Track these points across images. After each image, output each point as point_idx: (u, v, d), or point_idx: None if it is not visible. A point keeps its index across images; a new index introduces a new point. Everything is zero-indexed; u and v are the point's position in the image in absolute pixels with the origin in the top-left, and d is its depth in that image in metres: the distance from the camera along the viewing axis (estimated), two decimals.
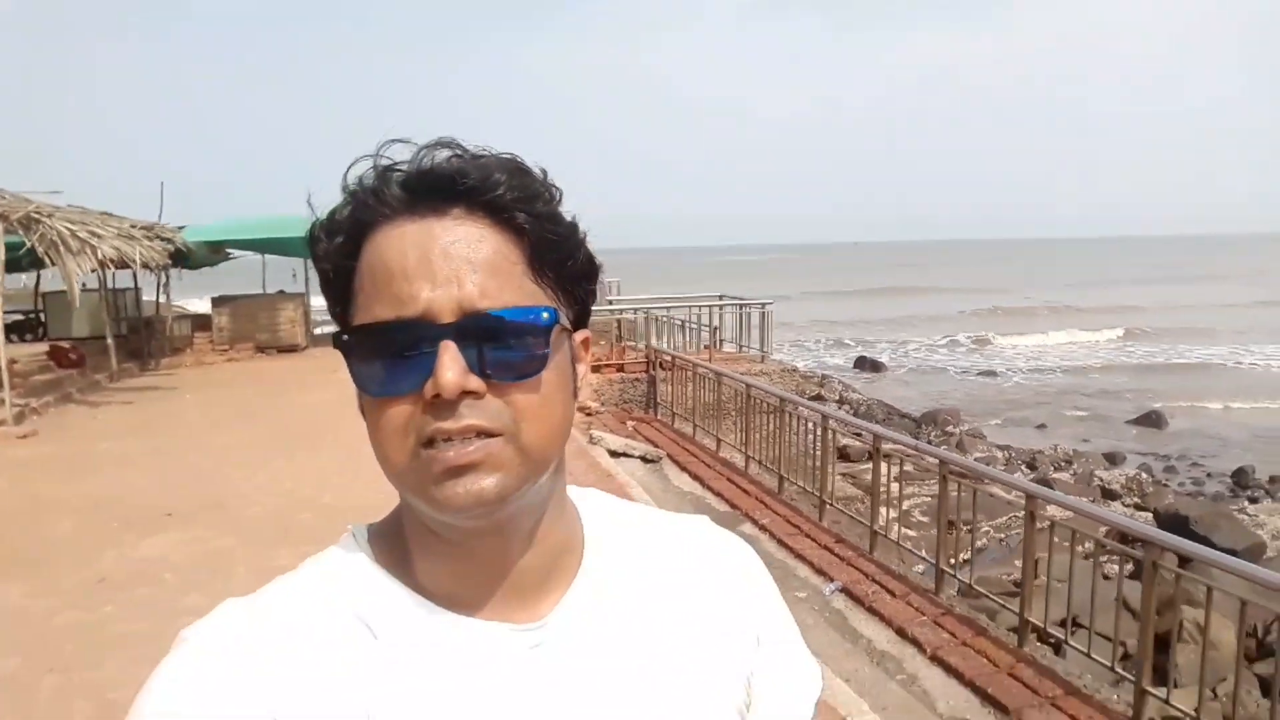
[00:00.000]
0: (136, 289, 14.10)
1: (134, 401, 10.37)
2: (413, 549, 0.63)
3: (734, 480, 8.07)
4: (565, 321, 0.62)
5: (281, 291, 16.10)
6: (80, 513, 5.77)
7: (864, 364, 30.33)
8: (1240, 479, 15.81)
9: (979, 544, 5.44)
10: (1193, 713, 3.79)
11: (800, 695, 0.72)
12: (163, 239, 11.58)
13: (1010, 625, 5.21)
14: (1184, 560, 4.34)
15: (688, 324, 13.44)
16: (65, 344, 11.82)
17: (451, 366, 0.54)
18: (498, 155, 0.60)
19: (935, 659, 4.68)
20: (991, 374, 29.79)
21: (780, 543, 6.47)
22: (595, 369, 11.87)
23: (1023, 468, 15.44)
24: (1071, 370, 30.22)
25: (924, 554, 6.18)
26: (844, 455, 11.44)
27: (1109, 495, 12.98)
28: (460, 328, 0.55)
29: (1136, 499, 12.84)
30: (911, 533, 7.04)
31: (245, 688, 0.55)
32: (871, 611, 5.27)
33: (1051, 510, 5.86)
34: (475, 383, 0.55)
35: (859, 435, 7.04)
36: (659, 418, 11.01)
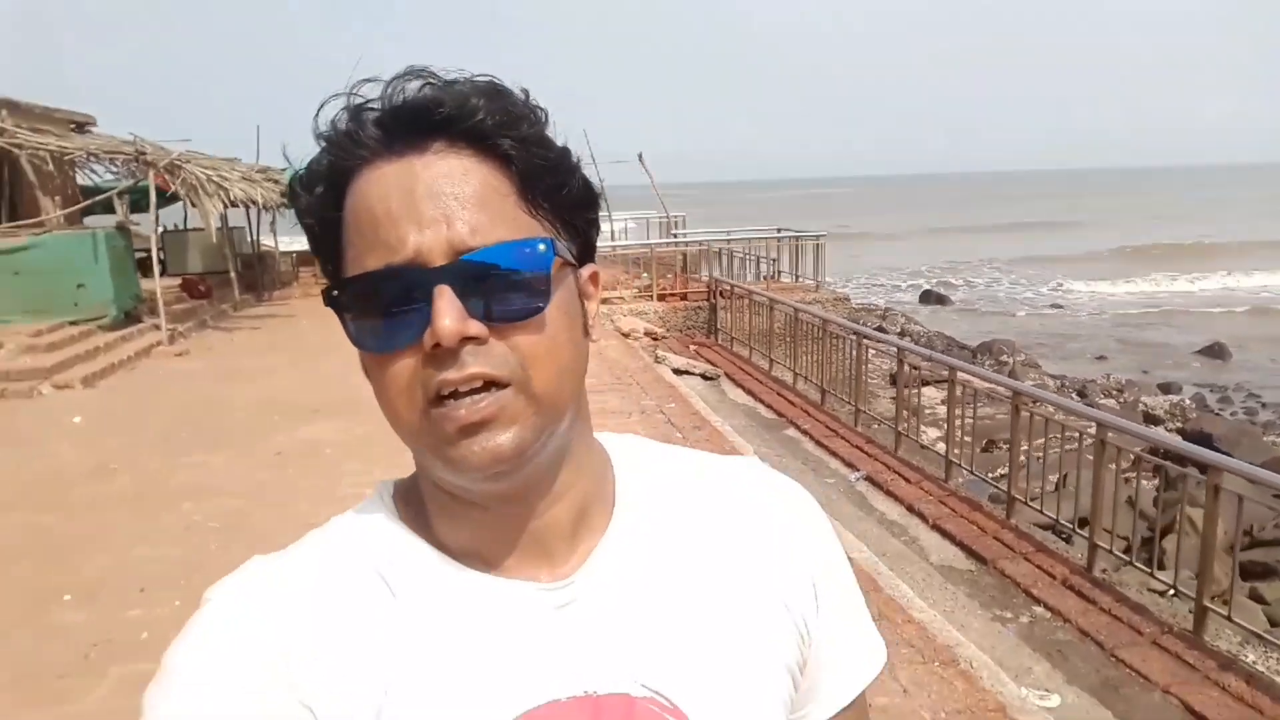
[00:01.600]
0: (252, 227, 15.63)
1: (260, 327, 11.89)
2: (431, 508, 0.61)
3: (782, 394, 9.14)
4: (567, 254, 0.58)
5: None
6: (246, 409, 7.18)
7: (929, 298, 30.74)
8: None
9: (1020, 460, 6.24)
10: (1170, 583, 4.72)
11: (862, 662, 0.68)
12: (273, 182, 12.94)
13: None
14: (1198, 469, 5.06)
15: (748, 256, 14.38)
16: (194, 277, 13.37)
17: (448, 312, 0.51)
18: (473, 80, 0.56)
19: (935, 526, 5.74)
20: (1058, 307, 29.92)
21: (818, 443, 7.56)
22: (661, 298, 12.98)
23: (1073, 395, 16.08)
24: (1143, 303, 30.13)
25: (924, 440, 7.15)
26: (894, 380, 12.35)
27: (1151, 420, 13.57)
28: (453, 270, 0.52)
29: (1180, 423, 13.43)
30: (934, 431, 7.97)
31: (268, 653, 0.55)
32: (888, 493, 6.34)
33: (1081, 424, 6.71)
34: (475, 327, 0.52)
35: (891, 352, 7.95)
36: (719, 342, 12.08)
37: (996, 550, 5.29)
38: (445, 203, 0.53)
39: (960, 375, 6.96)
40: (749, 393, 9.41)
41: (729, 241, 14.42)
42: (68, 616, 3.68)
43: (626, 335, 10.98)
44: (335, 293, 0.55)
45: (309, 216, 0.57)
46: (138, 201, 13.13)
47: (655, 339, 11.24)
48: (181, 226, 16.19)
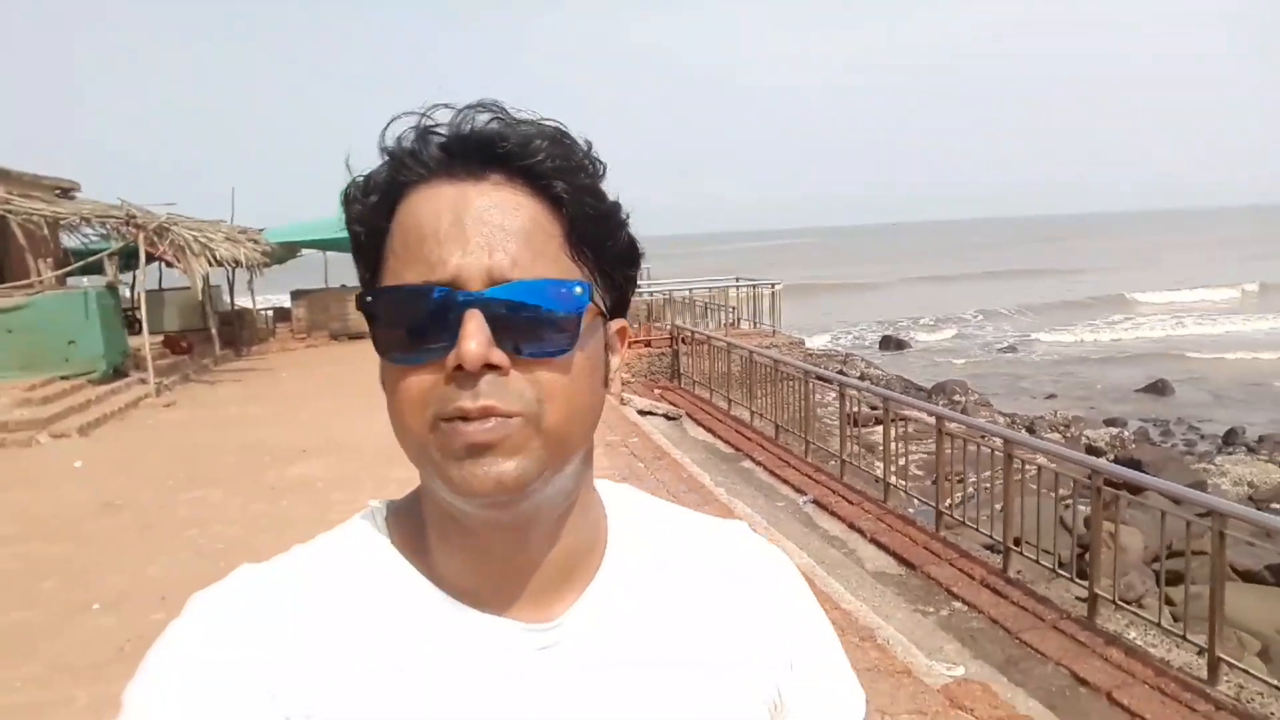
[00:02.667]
0: (231, 286, 16.15)
1: (241, 379, 12.37)
2: (430, 535, 0.61)
3: (739, 430, 9.77)
4: (600, 304, 0.59)
5: (343, 286, 18.08)
6: (236, 452, 7.67)
7: (889, 343, 31.75)
8: (1229, 438, 17.06)
9: (969, 492, 6.87)
10: (1090, 589, 5.32)
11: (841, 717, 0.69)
12: (253, 241, 13.52)
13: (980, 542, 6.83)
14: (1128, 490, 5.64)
15: (710, 305, 15.13)
16: (176, 335, 13.84)
17: (476, 337, 0.52)
18: (540, 122, 0.58)
19: (872, 540, 6.35)
20: (1012, 349, 31.03)
21: (771, 472, 8.17)
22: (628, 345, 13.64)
23: (1021, 430, 16.89)
24: (1092, 348, 31.32)
25: (877, 473, 7.79)
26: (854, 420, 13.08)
27: (1093, 451, 14.38)
28: (488, 297, 0.53)
29: (1118, 452, 14.24)
30: (873, 459, 8.62)
31: (247, 656, 0.55)
32: (831, 513, 6.95)
33: (992, 442, 7.41)
34: (499, 356, 0.53)
35: (831, 385, 8.64)
36: (681, 386, 12.73)
37: (924, 557, 5.91)
38: (492, 231, 0.54)
39: (892, 406, 7.65)
40: (708, 430, 10.04)
41: (690, 291, 15.17)
42: (99, 621, 4.17)
43: None
44: (370, 299, 0.56)
45: (358, 223, 0.59)
46: (125, 262, 13.68)
47: (622, 383, 11.85)
48: (158, 286, 16.69)
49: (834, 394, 8.11)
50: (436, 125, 0.58)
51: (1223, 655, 4.22)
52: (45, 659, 3.81)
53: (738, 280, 15.53)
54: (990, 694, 3.71)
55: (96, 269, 12.17)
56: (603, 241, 0.59)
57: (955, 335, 35.52)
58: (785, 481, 7.88)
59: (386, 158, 0.58)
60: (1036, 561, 5.68)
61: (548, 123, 0.58)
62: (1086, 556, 6.14)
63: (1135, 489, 6.10)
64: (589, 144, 0.59)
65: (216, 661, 0.54)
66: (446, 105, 0.59)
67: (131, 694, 0.55)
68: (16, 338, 9.96)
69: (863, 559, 6.05)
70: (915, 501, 7.30)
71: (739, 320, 14.80)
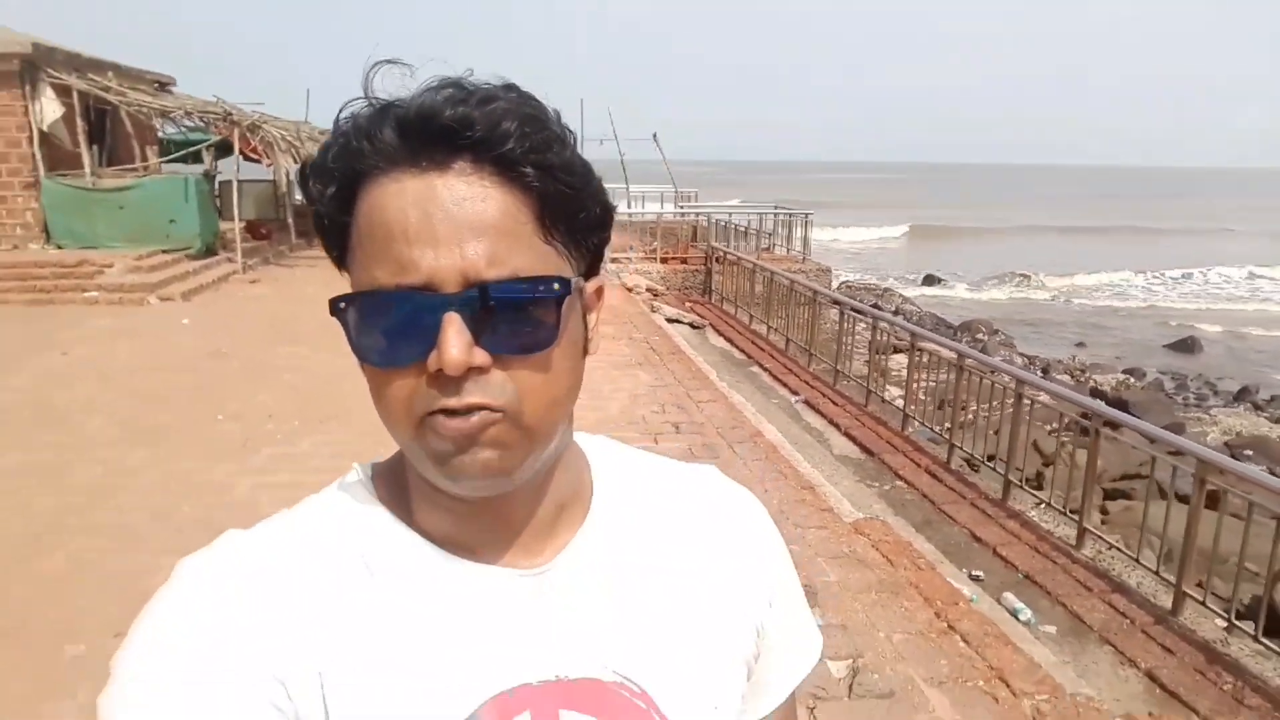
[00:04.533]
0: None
1: (315, 266, 13.69)
2: (414, 495, 0.63)
3: (755, 342, 10.87)
4: (577, 279, 0.59)
5: None
6: (315, 321, 8.94)
7: (931, 280, 32.27)
8: (1240, 395, 17.68)
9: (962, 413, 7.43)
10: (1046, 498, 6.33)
11: (805, 656, 0.75)
12: None
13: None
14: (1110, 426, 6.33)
15: (749, 229, 16.05)
16: (257, 222, 15.22)
17: (456, 342, 0.52)
18: (506, 97, 0.55)
19: (845, 433, 7.47)
20: (1057, 297, 31.36)
21: (774, 376, 9.29)
22: (664, 260, 14.71)
23: (1037, 371, 17.68)
24: (1137, 300, 31.44)
25: (867, 384, 8.85)
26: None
27: (1097, 394, 15.21)
28: (465, 298, 0.52)
29: (1112, 394, 15.05)
30: (885, 382, 9.66)
31: (238, 621, 0.55)
32: (817, 411, 8.07)
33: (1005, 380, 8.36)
34: (481, 358, 0.53)
35: (839, 304, 9.60)
36: (711, 302, 13.80)
37: (884, 448, 7.03)
38: (463, 227, 0.53)
39: (918, 342, 8.43)
40: (728, 340, 11.16)
41: (730, 215, 16.09)
42: (224, 427, 5.51)
43: (630, 290, 12.73)
44: (343, 305, 0.55)
45: (319, 206, 0.56)
46: (215, 153, 15.02)
47: (655, 294, 12.97)
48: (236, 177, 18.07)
49: (866, 325, 8.82)
50: (397, 101, 0.54)
51: (1087, 526, 5.32)
52: (189, 448, 5.16)
53: (775, 208, 16.38)
54: (886, 527, 4.87)
55: (193, 157, 13.51)
56: (576, 215, 0.57)
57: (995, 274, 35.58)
58: (784, 385, 9.00)
59: (340, 140, 0.55)
60: (970, 457, 6.75)
61: (513, 97, 0.55)
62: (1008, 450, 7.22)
63: (1112, 425, 6.65)
64: (557, 113, 0.57)
65: (206, 629, 0.54)
66: (393, 61, 0.56)
67: (121, 664, 0.54)
68: (127, 214, 11.39)
69: (832, 445, 7.18)
70: (927, 428, 7.89)
71: (772, 246, 15.71)
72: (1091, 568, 5.05)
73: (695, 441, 5.90)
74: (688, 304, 13.48)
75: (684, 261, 14.61)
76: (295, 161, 12.75)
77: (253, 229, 14.84)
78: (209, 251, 12.29)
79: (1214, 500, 5.05)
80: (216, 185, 18.83)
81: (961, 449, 6.84)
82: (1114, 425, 6.19)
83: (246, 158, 13.92)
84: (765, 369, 9.63)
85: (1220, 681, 3.95)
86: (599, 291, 0.63)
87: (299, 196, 18.29)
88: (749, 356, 10.23)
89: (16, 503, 4.33)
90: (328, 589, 0.58)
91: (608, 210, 0.61)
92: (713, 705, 0.65)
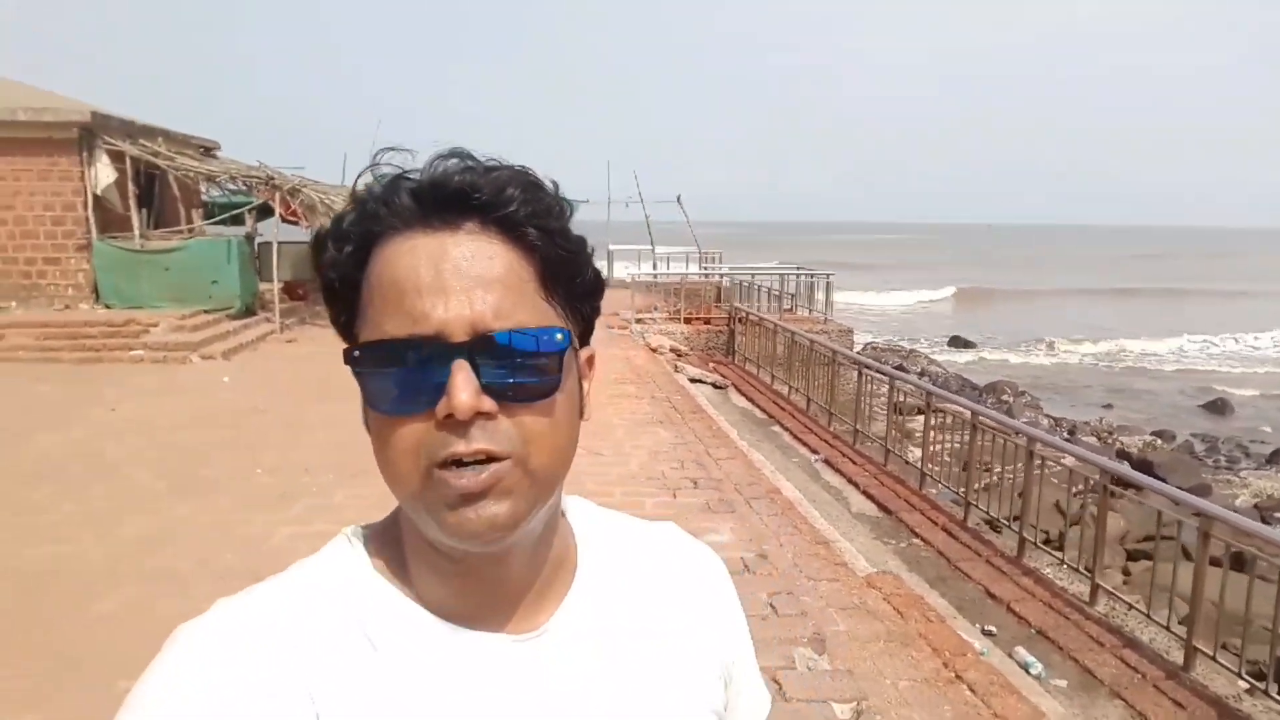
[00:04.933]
0: None
1: None
2: (410, 560, 0.64)
3: (776, 401, 11.05)
4: (575, 342, 0.63)
5: None
6: (349, 378, 9.34)
7: (957, 342, 32.31)
8: (1273, 458, 17.49)
9: (993, 480, 7.10)
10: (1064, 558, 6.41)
11: (763, 704, 0.80)
12: None
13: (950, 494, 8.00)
14: (1128, 487, 6.36)
15: (772, 290, 16.34)
16: (295, 283, 15.76)
17: (465, 388, 0.55)
18: (510, 168, 0.60)
19: (864, 492, 7.60)
20: (1085, 359, 31.22)
21: (794, 435, 9.45)
22: (688, 321, 14.99)
23: (1063, 434, 17.64)
24: (1166, 362, 31.23)
25: (885, 444, 8.98)
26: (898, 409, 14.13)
27: (1123, 455, 15.14)
28: (473, 348, 0.56)
29: (1137, 455, 14.98)
30: (908, 443, 9.79)
31: (236, 691, 0.56)
32: (836, 470, 8.21)
33: (1017, 438, 8.48)
34: (488, 404, 0.56)
35: (858, 365, 9.79)
36: (734, 362, 14.02)
37: (902, 506, 7.15)
38: (472, 282, 0.56)
39: (934, 401, 8.60)
40: (749, 399, 11.35)
41: (753, 276, 16.41)
42: (263, 479, 5.78)
43: (654, 350, 13.00)
44: (356, 353, 0.59)
45: (333, 270, 0.60)
46: (239, 217, 15.66)
47: (679, 354, 13.22)
48: (274, 239, 18.75)
49: (885, 385, 8.94)
50: (407, 173, 0.60)
51: (1100, 582, 5.40)
52: (230, 499, 5.43)
53: (798, 269, 16.69)
54: (898, 581, 4.99)
55: (235, 220, 14.10)
56: (573, 279, 0.62)
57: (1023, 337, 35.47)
58: (804, 444, 9.15)
59: (357, 206, 0.60)
60: (988, 516, 6.85)
61: (517, 168, 0.60)
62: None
63: (1132, 485, 6.63)
64: (555, 185, 0.62)
65: (204, 700, 0.55)
66: (398, 149, 0.62)
67: None
68: (172, 275, 11.92)
69: (850, 503, 7.31)
70: (947, 489, 7.85)
71: (795, 307, 15.97)
72: (1104, 624, 5.13)
73: (713, 497, 6.07)
74: (711, 364, 13.72)
75: (707, 322, 14.90)
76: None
77: (290, 290, 15.36)
78: (248, 311, 12.77)
79: (1241, 562, 5.12)
80: (256, 247, 19.61)
81: (979, 508, 6.94)
82: (1125, 484, 6.28)
83: (285, 220, 14.52)
84: (786, 428, 9.80)
85: None
86: (590, 360, 0.67)
87: None
88: (770, 416, 10.41)
89: (73, 550, 4.60)
90: (324, 661, 0.59)
91: (599, 279, 0.66)
92: None
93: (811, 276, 16.04)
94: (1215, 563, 5.78)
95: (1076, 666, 4.62)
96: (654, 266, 20.01)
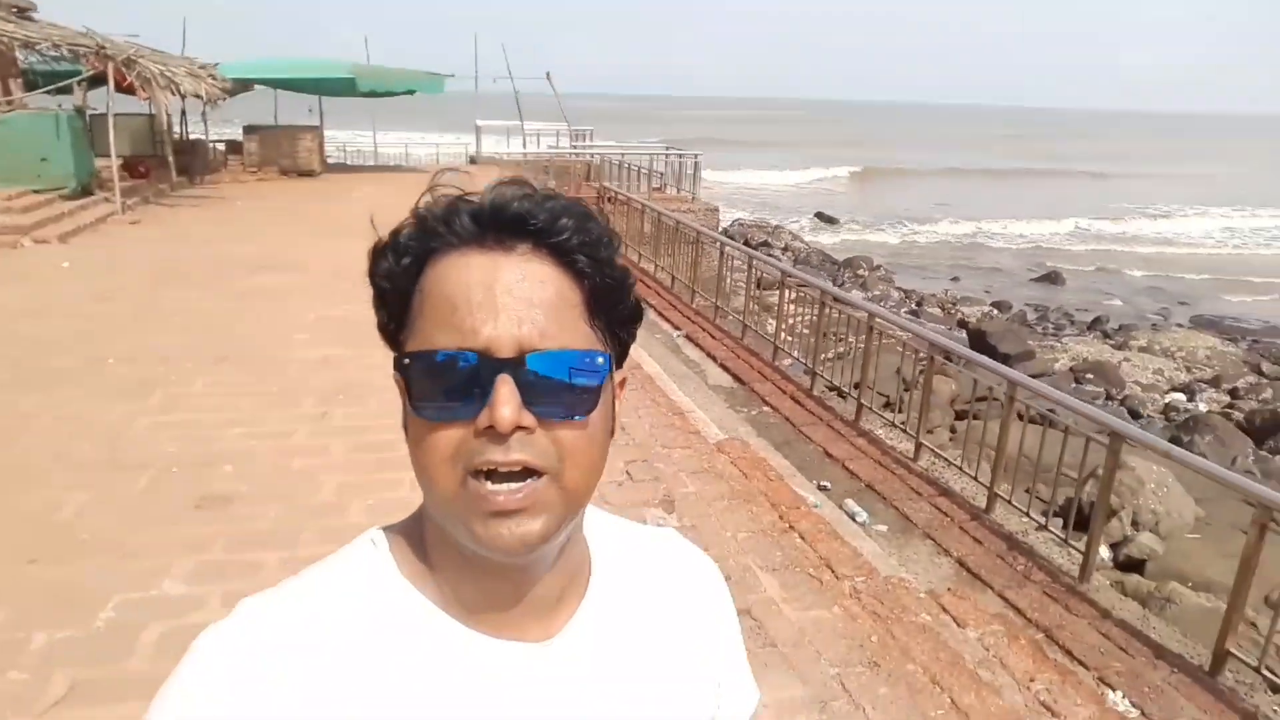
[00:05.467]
0: (184, 116, 16.83)
1: (199, 205, 13.45)
2: (434, 562, 0.66)
3: (643, 281, 11.33)
4: (612, 365, 0.64)
5: (293, 125, 18.80)
6: (203, 264, 8.99)
7: (822, 217, 33.33)
8: (1094, 324, 19.21)
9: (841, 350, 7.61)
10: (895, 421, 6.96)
11: (749, 701, 0.84)
12: (211, 77, 14.26)
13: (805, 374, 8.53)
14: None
15: (642, 170, 16.38)
16: (135, 159, 14.70)
17: (509, 401, 0.57)
18: (565, 200, 0.63)
19: (721, 364, 8.06)
20: (942, 236, 32.86)
21: (658, 313, 9.81)
22: None
23: (913, 305, 18.82)
24: (1013, 240, 33.23)
25: (744, 321, 9.45)
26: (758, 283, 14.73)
27: (963, 325, 16.36)
28: (519, 364, 0.58)
29: (975, 326, 16.22)
30: (768, 316, 10.31)
31: (259, 697, 0.58)
32: (696, 344, 8.64)
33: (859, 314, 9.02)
34: (529, 419, 0.58)
35: (719, 243, 10.18)
36: None
37: (754, 377, 7.64)
38: (521, 302, 0.59)
39: (788, 279, 9.04)
40: None
41: (622, 155, 16.38)
42: (117, 369, 5.65)
43: None
44: (407, 361, 0.61)
45: (386, 280, 0.64)
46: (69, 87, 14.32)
47: None
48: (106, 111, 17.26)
49: (744, 263, 9.39)
50: (468, 194, 0.63)
51: (923, 441, 6.04)
52: (82, 390, 5.31)
53: (666, 149, 16.75)
54: (746, 446, 5.46)
55: (62, 92, 12.93)
56: (615, 307, 0.65)
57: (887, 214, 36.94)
58: (668, 321, 9.53)
59: (418, 221, 0.63)
60: (832, 385, 7.43)
61: (571, 200, 0.64)
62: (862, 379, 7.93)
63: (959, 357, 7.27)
64: (606, 218, 0.67)
65: (227, 707, 0.57)
66: (455, 169, 0.69)
67: None
68: None
69: (708, 376, 7.76)
70: (797, 360, 8.44)
71: (665, 186, 16.11)
72: (924, 476, 5.78)
73: None
74: None
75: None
76: (175, 95, 12.40)
77: (130, 167, 14.33)
78: (85, 191, 11.91)
79: (1049, 421, 5.79)
80: (89, 120, 18.02)
81: (824, 377, 7.50)
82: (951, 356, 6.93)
83: (120, 91, 13.40)
84: (650, 305, 10.13)
85: (1015, 564, 4.70)
86: (622, 383, 0.70)
87: (184, 130, 17.89)
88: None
89: None
90: (346, 666, 0.61)
91: (639, 308, 0.69)
92: None
93: (680, 156, 16.15)
94: (1034, 421, 6.54)
95: (897, 513, 5.24)
96: (523, 144, 19.62)
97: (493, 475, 0.59)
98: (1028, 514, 5.11)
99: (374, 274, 0.65)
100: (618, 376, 0.68)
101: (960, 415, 9.60)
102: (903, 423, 6.59)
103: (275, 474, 4.30)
